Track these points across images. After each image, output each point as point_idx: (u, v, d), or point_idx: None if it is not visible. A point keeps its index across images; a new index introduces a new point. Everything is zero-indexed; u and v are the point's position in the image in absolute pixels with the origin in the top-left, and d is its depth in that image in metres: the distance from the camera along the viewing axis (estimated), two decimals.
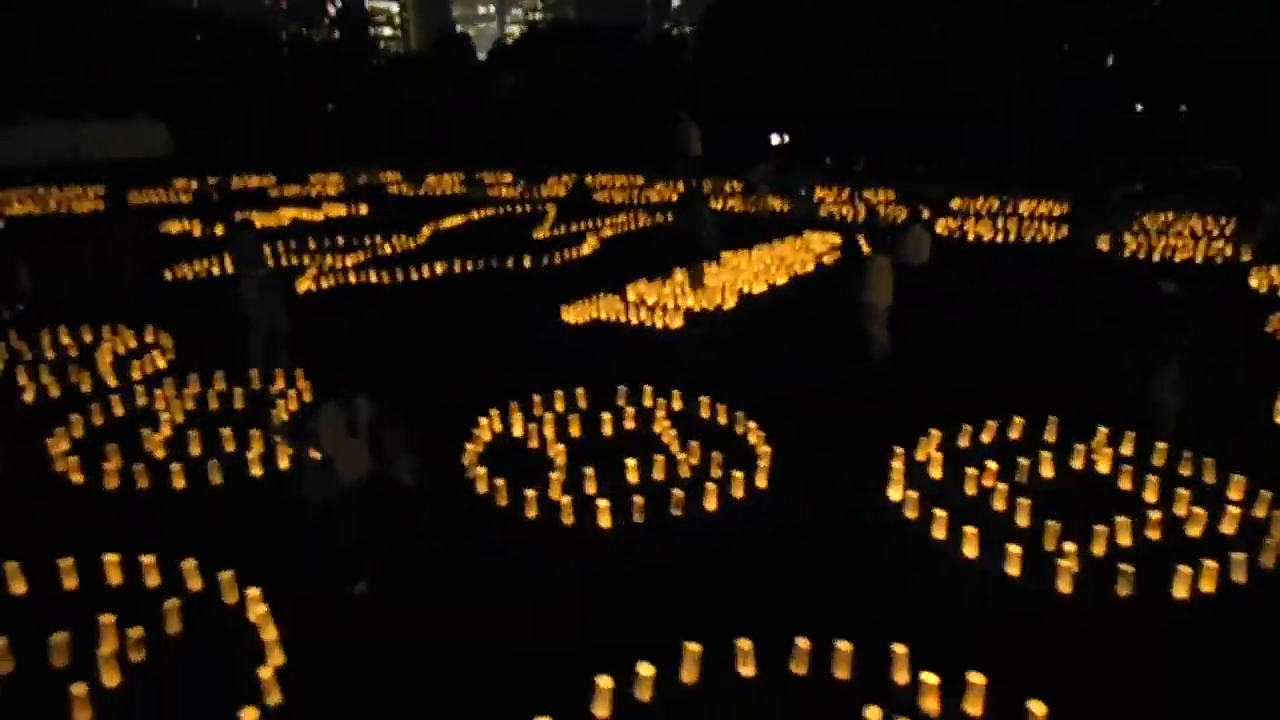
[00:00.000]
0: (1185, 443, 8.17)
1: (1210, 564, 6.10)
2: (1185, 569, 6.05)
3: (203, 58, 51.65)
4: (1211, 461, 7.84)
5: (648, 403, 9.62)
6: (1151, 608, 5.95)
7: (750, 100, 44.35)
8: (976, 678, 4.89)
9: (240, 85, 50.81)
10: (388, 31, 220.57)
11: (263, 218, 23.49)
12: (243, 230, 12.02)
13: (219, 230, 20.87)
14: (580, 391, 9.68)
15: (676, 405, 9.61)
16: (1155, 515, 6.84)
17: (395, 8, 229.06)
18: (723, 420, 9.24)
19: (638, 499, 7.23)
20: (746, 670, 5.20)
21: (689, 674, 5.16)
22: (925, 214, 18.31)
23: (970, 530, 6.59)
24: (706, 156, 26.13)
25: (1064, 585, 6.11)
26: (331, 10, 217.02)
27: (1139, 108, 39.92)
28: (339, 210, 25.67)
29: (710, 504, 7.40)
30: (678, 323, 13.10)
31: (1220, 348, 10.70)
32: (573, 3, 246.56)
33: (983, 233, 21.23)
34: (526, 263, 17.47)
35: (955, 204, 25.54)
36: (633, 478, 7.79)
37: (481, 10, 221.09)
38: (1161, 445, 8.11)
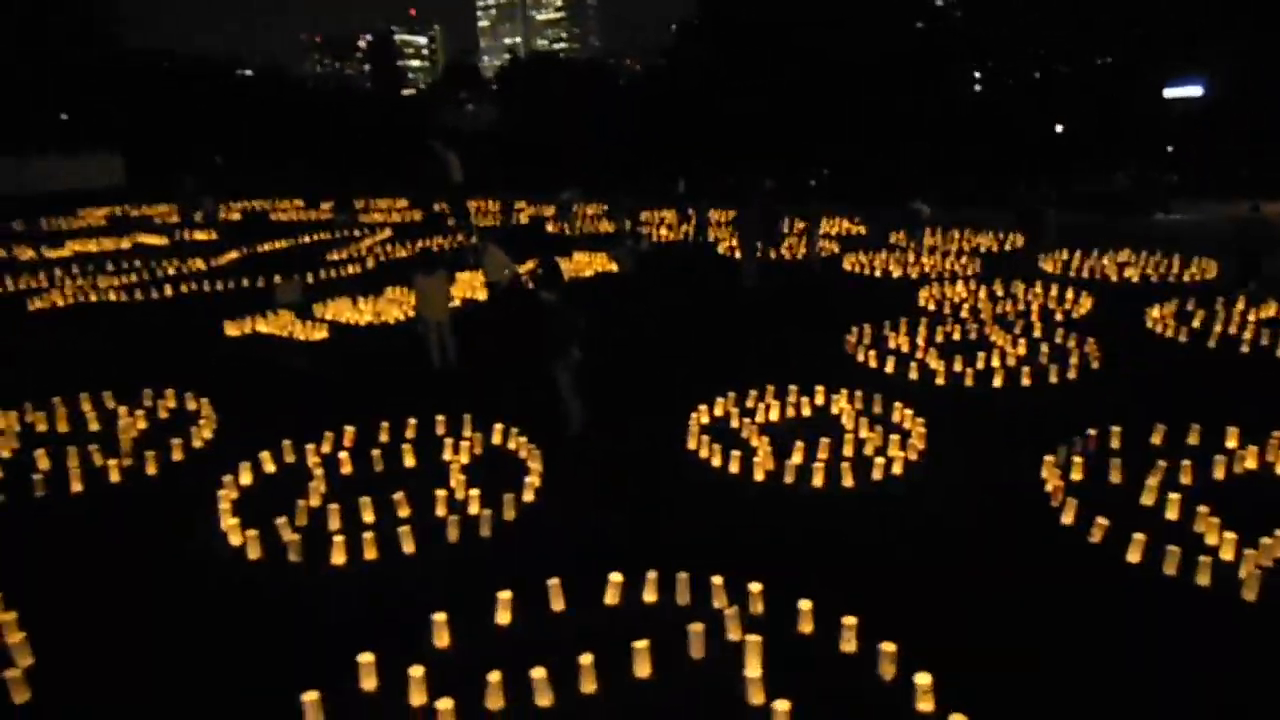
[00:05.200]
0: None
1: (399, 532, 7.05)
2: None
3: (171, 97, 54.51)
4: (538, 451, 8.76)
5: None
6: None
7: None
8: None
9: (201, 121, 53.50)
10: (416, 64, 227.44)
11: (105, 242, 25.36)
12: None
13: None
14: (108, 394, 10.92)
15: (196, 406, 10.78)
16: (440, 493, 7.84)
17: (424, 40, 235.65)
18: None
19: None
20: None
21: None
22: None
23: None
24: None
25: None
26: (363, 44, 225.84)
27: None
28: (200, 235, 27.43)
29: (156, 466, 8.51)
30: (320, 335, 14.22)
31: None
32: (598, 31, 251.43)
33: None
34: (277, 279, 18.69)
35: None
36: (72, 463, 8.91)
37: (508, 40, 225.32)
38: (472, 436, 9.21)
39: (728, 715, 5.13)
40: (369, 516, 7.64)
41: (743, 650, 5.46)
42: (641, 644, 5.49)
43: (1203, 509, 7.18)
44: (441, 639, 5.86)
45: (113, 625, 6.24)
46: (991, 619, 6.09)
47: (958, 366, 11.55)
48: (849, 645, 5.64)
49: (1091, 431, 8.93)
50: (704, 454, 8.96)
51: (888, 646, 5.38)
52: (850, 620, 5.66)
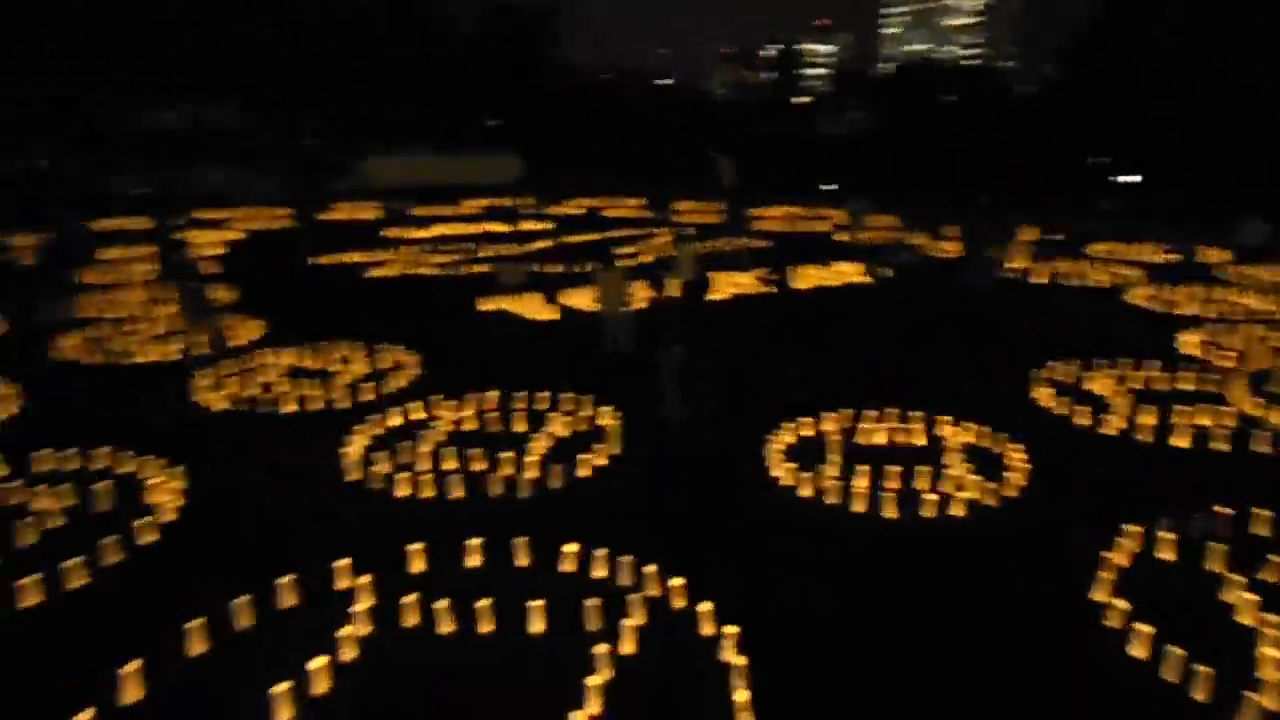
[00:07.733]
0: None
1: None
2: None
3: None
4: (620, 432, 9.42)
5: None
6: None
7: None
8: None
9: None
10: (820, 72, 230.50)
11: (459, 227, 30.16)
12: None
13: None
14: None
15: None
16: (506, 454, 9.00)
17: (828, 49, 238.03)
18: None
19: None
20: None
21: None
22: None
23: None
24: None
25: (457, 490, 8.81)
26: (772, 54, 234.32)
27: None
28: (534, 225, 31.50)
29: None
30: (547, 315, 16.03)
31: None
32: (1016, 38, 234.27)
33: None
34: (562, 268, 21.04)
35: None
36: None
37: (910, 47, 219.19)
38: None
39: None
40: (450, 464, 9.00)
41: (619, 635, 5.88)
42: (484, 602, 6.17)
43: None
44: (416, 566, 6.96)
45: None
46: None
47: (1144, 419, 9.97)
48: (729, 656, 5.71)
49: (1223, 510, 7.42)
50: (768, 462, 9.00)
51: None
52: (731, 630, 5.73)
